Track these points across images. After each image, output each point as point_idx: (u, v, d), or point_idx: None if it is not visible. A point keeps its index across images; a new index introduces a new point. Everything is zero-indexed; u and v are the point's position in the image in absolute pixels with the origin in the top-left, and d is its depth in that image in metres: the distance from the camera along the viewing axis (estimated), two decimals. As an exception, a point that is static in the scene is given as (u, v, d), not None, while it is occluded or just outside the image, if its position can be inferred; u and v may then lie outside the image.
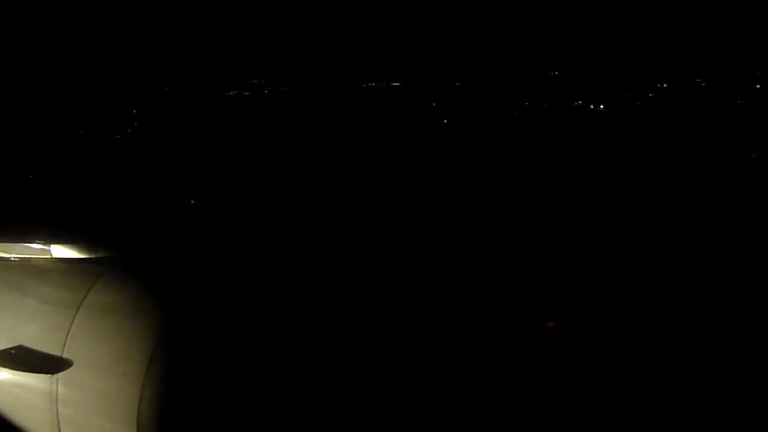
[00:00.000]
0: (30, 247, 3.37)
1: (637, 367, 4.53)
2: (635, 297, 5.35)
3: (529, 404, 4.19)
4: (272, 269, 3.78)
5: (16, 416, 3.07)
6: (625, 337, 4.81)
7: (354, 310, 4.14)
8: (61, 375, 2.94)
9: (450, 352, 4.41)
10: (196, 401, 2.99)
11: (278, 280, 3.69)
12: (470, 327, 4.71)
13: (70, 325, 3.00)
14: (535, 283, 5.54)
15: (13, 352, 3.03)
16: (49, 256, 3.34)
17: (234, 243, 4.00)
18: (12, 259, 3.35)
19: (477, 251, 6.17)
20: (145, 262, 3.34)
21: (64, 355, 2.96)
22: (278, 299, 3.52)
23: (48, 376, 2.94)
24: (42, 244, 3.35)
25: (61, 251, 3.33)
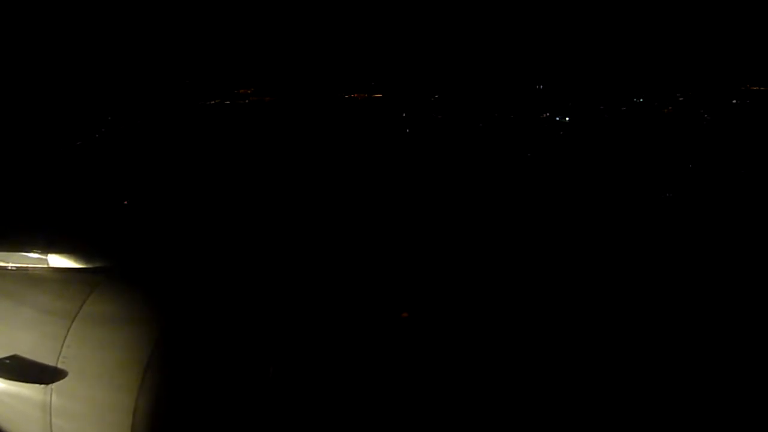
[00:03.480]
0: (27, 256, 3.37)
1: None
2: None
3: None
4: (268, 280, 3.79)
5: (8, 427, 3.05)
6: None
7: (348, 321, 4.15)
8: (55, 385, 2.92)
9: (447, 363, 4.43)
10: (191, 412, 2.97)
11: (274, 291, 3.69)
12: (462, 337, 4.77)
13: (66, 335, 2.99)
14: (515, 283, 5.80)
15: (7, 361, 3.01)
16: (46, 266, 3.33)
17: (230, 254, 4.00)
18: (9, 267, 3.35)
19: (457, 259, 6.33)
20: (143, 273, 3.34)
21: (59, 365, 2.94)
22: (275, 310, 3.52)
23: (42, 386, 2.93)
24: (39, 253, 3.35)
25: (58, 261, 3.33)
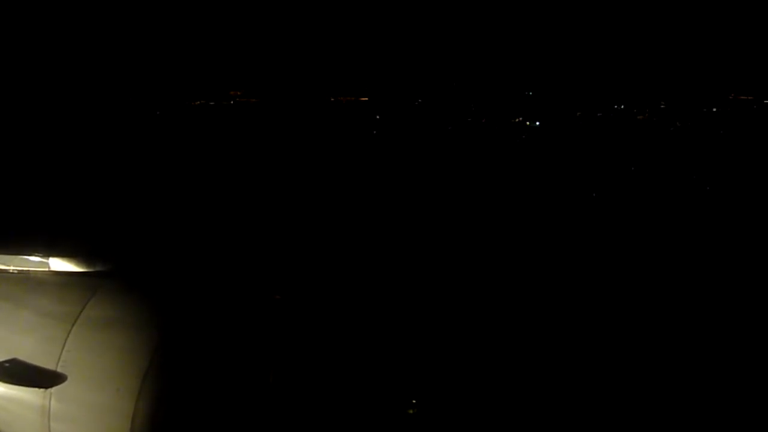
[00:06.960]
0: (28, 259, 3.36)
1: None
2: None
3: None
4: (268, 283, 3.78)
5: (8, 431, 3.03)
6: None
7: (347, 326, 4.15)
8: (54, 389, 2.90)
9: (445, 374, 4.43)
10: (190, 417, 2.96)
11: (274, 294, 3.68)
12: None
13: (66, 339, 2.98)
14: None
15: (7, 365, 3.00)
16: (47, 269, 3.33)
17: (230, 258, 4.00)
18: (10, 271, 3.34)
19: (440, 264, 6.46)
20: (143, 277, 3.33)
21: (59, 370, 2.93)
22: (275, 315, 3.51)
23: (41, 390, 2.91)
24: (40, 256, 3.34)
25: (59, 264, 3.32)
